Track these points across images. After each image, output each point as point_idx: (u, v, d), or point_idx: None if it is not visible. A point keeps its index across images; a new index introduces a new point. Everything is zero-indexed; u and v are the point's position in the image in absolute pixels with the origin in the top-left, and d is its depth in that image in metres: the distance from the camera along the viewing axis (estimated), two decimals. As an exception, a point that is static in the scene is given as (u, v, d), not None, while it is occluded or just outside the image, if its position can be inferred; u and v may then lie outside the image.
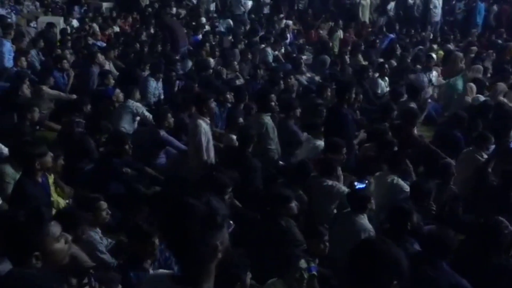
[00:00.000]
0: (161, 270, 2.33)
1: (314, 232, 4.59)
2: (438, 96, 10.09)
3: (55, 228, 2.50)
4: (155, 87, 8.98)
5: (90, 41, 12.17)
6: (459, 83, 9.58)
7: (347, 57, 11.49)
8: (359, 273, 2.35)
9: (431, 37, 14.98)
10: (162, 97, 8.98)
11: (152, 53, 11.28)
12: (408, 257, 2.44)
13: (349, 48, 12.75)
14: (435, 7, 16.63)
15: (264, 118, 6.57)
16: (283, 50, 12.65)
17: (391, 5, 17.25)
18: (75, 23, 14.13)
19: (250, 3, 17.18)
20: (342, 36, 14.81)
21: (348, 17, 16.57)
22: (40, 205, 3.21)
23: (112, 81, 8.89)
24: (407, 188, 5.53)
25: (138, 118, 7.57)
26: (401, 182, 5.65)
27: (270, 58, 11.61)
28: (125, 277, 3.95)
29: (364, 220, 4.93)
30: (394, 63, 11.19)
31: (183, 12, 15.80)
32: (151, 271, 3.92)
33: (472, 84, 9.43)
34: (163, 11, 13.86)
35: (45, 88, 8.29)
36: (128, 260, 4.17)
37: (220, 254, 2.10)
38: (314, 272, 4.17)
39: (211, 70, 9.91)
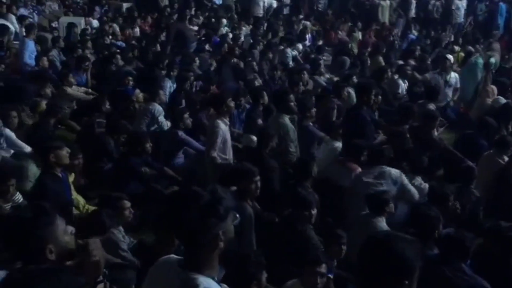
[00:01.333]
0: (172, 255, 2.36)
1: (332, 234, 4.57)
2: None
3: (61, 221, 2.53)
4: (170, 86, 9.04)
5: (107, 40, 12.27)
6: (480, 62, 9.87)
7: (368, 59, 11.43)
8: (365, 270, 2.24)
9: (451, 39, 14.85)
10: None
11: (169, 53, 11.33)
12: (422, 256, 2.28)
13: (369, 49, 12.68)
14: (458, 8, 16.49)
15: (285, 119, 6.56)
16: (300, 48, 12.64)
17: (413, 5, 17.14)
18: (95, 23, 14.26)
19: (275, 3, 17.21)
20: (360, 37, 14.76)
21: (367, 18, 16.51)
22: (58, 203, 3.24)
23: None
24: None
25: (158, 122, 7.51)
26: (427, 185, 5.61)
27: (289, 59, 11.60)
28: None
29: (382, 223, 4.89)
30: (412, 62, 11.11)
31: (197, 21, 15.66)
32: None
33: (493, 86, 9.33)
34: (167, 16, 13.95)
35: (66, 88, 8.37)
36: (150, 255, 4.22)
37: (222, 244, 2.14)
38: (330, 275, 4.16)
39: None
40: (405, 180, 5.52)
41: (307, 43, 14.04)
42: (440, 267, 4.02)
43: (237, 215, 2.22)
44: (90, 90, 8.84)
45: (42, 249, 2.38)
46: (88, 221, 4.35)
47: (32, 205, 2.54)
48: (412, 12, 17.17)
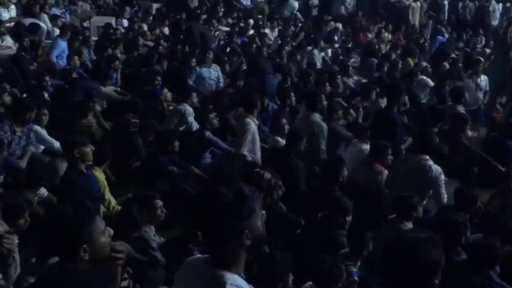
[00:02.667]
0: (198, 255, 2.38)
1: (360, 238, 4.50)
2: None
3: (100, 222, 2.56)
4: (212, 73, 9.33)
5: (140, 41, 12.38)
6: None
7: (399, 61, 11.31)
8: (393, 273, 2.21)
9: (483, 41, 14.61)
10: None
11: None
12: (447, 260, 2.27)
13: (400, 51, 12.58)
14: (494, 10, 16.23)
15: (317, 118, 6.56)
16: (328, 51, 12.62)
17: (445, 7, 16.90)
18: (125, 23, 14.41)
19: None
20: (389, 39, 14.63)
21: (398, 19, 16.35)
22: (85, 199, 3.28)
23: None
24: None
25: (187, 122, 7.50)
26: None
27: (317, 61, 11.56)
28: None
29: (409, 227, 4.83)
30: (447, 65, 10.98)
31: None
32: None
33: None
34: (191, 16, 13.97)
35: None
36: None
37: (248, 242, 2.15)
38: (356, 278, 4.12)
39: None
40: (442, 181, 5.42)
41: (337, 45, 13.96)
42: (468, 274, 3.95)
43: (264, 212, 2.22)
44: (119, 89, 8.94)
45: (77, 247, 2.42)
46: (119, 218, 4.41)
47: (75, 203, 2.57)
48: (445, 15, 16.94)
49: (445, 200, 5.42)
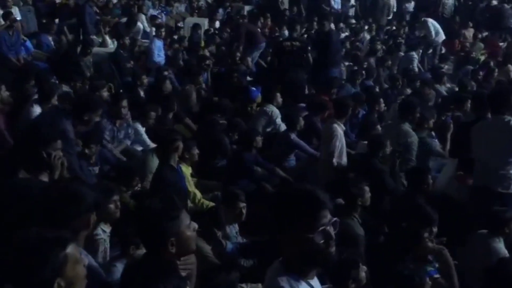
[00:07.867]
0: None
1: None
2: None
3: (186, 216, 2.63)
4: None
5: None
6: None
7: (495, 68, 10.78)
8: None
9: None
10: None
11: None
12: None
13: (499, 58, 12.00)
14: None
15: (406, 127, 6.35)
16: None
17: None
18: (217, 24, 14.73)
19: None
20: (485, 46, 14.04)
21: (496, 25, 15.58)
22: (172, 193, 3.40)
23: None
24: None
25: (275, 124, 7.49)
26: None
27: (415, 63, 11.24)
28: None
29: (499, 244, 4.59)
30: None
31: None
32: None
33: None
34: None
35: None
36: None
37: (324, 245, 2.06)
38: (436, 276, 3.99)
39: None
40: None
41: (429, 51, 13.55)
42: None
43: (336, 219, 2.15)
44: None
45: (165, 240, 2.51)
46: (206, 215, 4.55)
47: (162, 198, 2.67)
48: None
49: None
